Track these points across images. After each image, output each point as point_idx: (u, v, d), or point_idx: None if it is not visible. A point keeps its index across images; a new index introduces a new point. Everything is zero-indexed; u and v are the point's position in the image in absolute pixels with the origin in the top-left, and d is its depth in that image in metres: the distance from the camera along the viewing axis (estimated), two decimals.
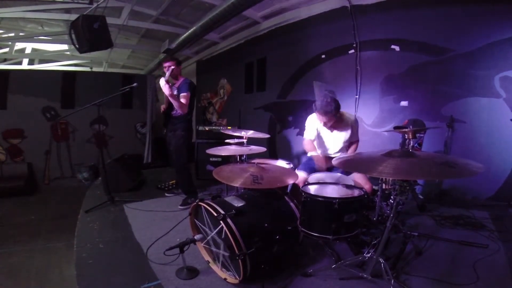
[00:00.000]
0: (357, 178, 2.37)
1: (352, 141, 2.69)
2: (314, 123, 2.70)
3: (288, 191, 2.45)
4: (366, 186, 2.33)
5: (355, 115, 2.65)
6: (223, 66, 6.75)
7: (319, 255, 2.16)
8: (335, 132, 2.62)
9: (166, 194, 3.90)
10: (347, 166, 1.85)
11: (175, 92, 3.27)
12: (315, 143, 2.73)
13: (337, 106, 2.45)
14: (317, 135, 2.70)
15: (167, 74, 3.05)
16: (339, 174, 2.43)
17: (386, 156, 1.61)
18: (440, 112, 3.44)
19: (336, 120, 2.55)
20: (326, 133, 2.67)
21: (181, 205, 3.34)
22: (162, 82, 3.01)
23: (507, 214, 2.93)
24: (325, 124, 2.56)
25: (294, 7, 4.57)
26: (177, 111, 3.24)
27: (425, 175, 1.81)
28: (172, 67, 3.20)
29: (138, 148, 7.35)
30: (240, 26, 5.48)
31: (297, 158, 4.74)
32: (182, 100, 3.16)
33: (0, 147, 6.20)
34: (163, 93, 3.13)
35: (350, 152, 2.66)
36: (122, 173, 4.16)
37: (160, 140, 7.51)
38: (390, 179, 2.21)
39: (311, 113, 2.74)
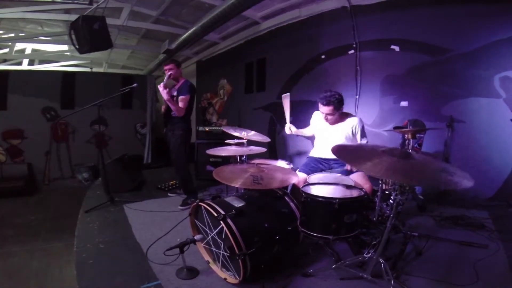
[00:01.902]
0: (357, 178, 2.37)
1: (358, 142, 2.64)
2: (314, 120, 2.78)
3: (288, 191, 2.45)
4: (366, 186, 2.34)
5: (358, 117, 2.65)
6: (223, 66, 6.75)
7: (319, 255, 2.16)
8: (335, 130, 2.62)
9: (169, 194, 3.91)
10: (341, 154, 1.80)
11: (175, 94, 3.34)
12: (315, 142, 2.80)
13: (340, 100, 2.48)
14: (317, 132, 2.75)
15: (165, 79, 3.18)
16: (339, 174, 2.43)
17: (385, 153, 1.61)
18: (440, 112, 3.44)
19: (338, 117, 2.57)
20: (325, 132, 2.67)
21: (181, 206, 3.34)
22: (160, 87, 3.15)
23: (507, 214, 2.93)
24: (326, 118, 2.55)
25: (294, 7, 4.57)
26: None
27: (418, 181, 1.83)
28: (171, 71, 3.30)
29: (138, 148, 7.35)
30: (240, 26, 5.48)
31: (297, 159, 4.74)
32: (180, 104, 3.26)
33: (0, 147, 6.20)
34: None
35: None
36: (122, 174, 4.16)
37: (160, 141, 7.53)
38: (390, 179, 2.21)
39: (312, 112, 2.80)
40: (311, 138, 2.95)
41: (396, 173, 1.49)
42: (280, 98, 2.87)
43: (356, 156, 1.74)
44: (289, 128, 2.80)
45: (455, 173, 1.47)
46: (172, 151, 3.44)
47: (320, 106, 2.51)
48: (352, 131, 2.59)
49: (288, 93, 2.82)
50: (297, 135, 2.92)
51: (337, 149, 1.76)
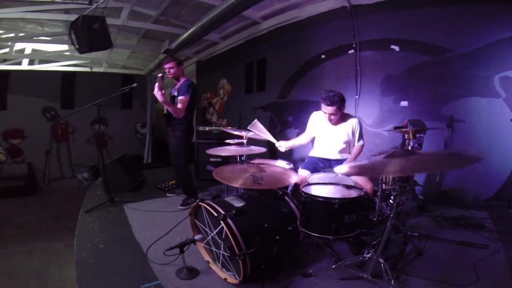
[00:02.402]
0: (358, 178, 2.37)
1: (355, 144, 2.68)
2: (313, 121, 2.78)
3: (289, 191, 2.45)
4: (367, 186, 2.34)
5: (357, 117, 2.69)
6: (223, 66, 6.75)
7: (319, 255, 2.16)
8: (337, 130, 2.64)
9: (168, 194, 3.89)
10: (356, 173, 1.88)
11: (175, 93, 3.28)
12: (315, 142, 2.80)
13: (343, 99, 2.51)
14: (317, 133, 2.75)
15: (158, 82, 2.94)
16: (339, 174, 2.43)
17: (390, 158, 1.61)
18: (440, 112, 3.44)
19: (339, 117, 2.60)
20: (326, 132, 2.69)
21: (181, 206, 3.33)
22: (155, 89, 2.94)
23: (507, 215, 2.92)
24: (329, 118, 2.57)
25: (294, 7, 4.57)
26: None
27: (434, 168, 1.86)
28: (172, 69, 3.21)
29: (138, 148, 7.36)
30: (240, 26, 5.48)
31: (297, 159, 4.73)
32: (179, 105, 3.13)
33: (0, 147, 6.20)
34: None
35: (354, 152, 2.67)
36: (122, 174, 4.16)
37: (160, 141, 7.54)
38: (390, 179, 2.21)
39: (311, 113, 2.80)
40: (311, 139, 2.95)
41: (413, 168, 1.53)
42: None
43: (373, 170, 1.74)
44: (281, 146, 2.78)
45: (461, 152, 1.50)
46: (171, 152, 3.38)
47: (324, 106, 2.52)
48: (352, 131, 2.63)
49: (255, 120, 2.76)
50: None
51: (355, 171, 1.79)
